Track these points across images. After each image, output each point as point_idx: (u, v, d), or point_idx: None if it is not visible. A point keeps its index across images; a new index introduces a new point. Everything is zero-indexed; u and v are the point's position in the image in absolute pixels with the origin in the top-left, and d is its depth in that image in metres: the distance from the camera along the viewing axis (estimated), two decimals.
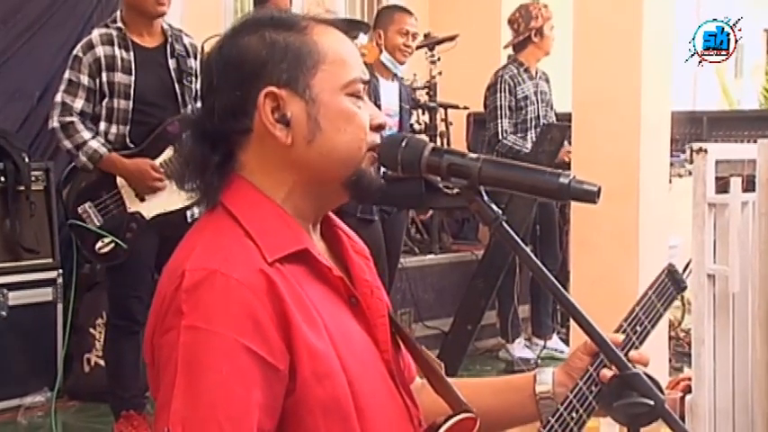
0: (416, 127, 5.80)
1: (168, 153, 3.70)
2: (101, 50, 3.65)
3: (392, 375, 1.39)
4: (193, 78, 3.81)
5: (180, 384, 1.19)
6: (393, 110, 4.62)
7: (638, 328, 1.49)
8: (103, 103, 3.65)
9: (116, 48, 3.67)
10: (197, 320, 1.21)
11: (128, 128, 3.66)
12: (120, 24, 3.70)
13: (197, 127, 1.36)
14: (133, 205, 3.67)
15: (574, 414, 1.40)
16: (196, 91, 3.81)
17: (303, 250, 1.31)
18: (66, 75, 3.67)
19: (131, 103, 3.65)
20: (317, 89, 1.33)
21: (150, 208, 3.67)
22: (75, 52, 3.68)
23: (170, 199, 3.66)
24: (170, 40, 3.78)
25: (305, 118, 1.32)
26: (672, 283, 1.55)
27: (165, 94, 3.74)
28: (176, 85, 3.75)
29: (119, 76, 3.65)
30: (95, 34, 3.69)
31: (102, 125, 3.66)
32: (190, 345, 1.20)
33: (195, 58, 3.84)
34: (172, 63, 3.76)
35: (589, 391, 1.42)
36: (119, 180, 3.66)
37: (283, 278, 1.26)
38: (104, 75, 3.64)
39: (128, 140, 3.66)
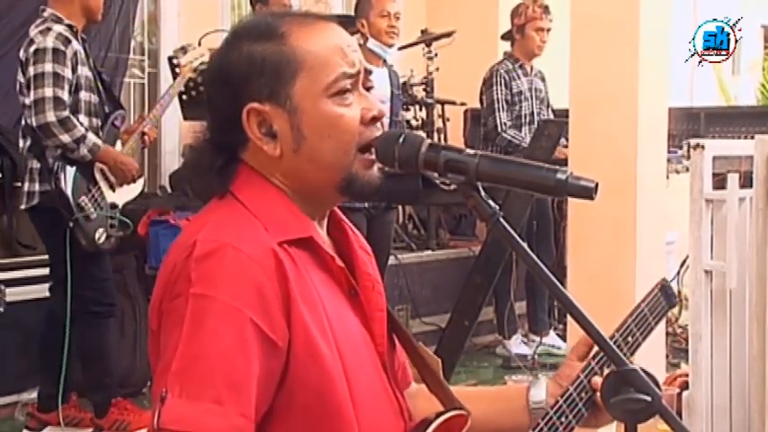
0: (413, 123, 5.80)
1: (118, 147, 3.89)
2: (75, 45, 3.71)
3: (385, 368, 1.41)
4: None
5: (182, 349, 1.22)
6: (385, 95, 4.49)
7: (629, 339, 1.51)
8: (80, 96, 3.71)
9: (77, 43, 3.73)
10: (205, 289, 1.23)
11: (99, 121, 3.80)
12: (70, 22, 3.74)
13: (203, 136, 1.40)
14: (109, 196, 3.84)
15: (563, 419, 1.41)
16: None
17: (308, 238, 1.33)
18: (50, 68, 3.61)
19: (96, 96, 3.79)
20: (297, 98, 1.34)
21: (121, 197, 3.89)
22: (52, 46, 3.62)
23: (131, 188, 3.93)
24: None
25: (289, 129, 1.34)
26: (664, 298, 1.57)
27: (97, 90, 3.87)
28: (98, 82, 3.88)
29: (85, 71, 3.75)
30: (62, 29, 3.69)
31: (84, 120, 3.72)
32: (195, 311, 1.23)
33: None
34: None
35: (579, 397, 1.43)
36: (96, 175, 3.78)
37: (290, 259, 1.29)
38: (79, 68, 3.71)
39: (100, 133, 3.78)
